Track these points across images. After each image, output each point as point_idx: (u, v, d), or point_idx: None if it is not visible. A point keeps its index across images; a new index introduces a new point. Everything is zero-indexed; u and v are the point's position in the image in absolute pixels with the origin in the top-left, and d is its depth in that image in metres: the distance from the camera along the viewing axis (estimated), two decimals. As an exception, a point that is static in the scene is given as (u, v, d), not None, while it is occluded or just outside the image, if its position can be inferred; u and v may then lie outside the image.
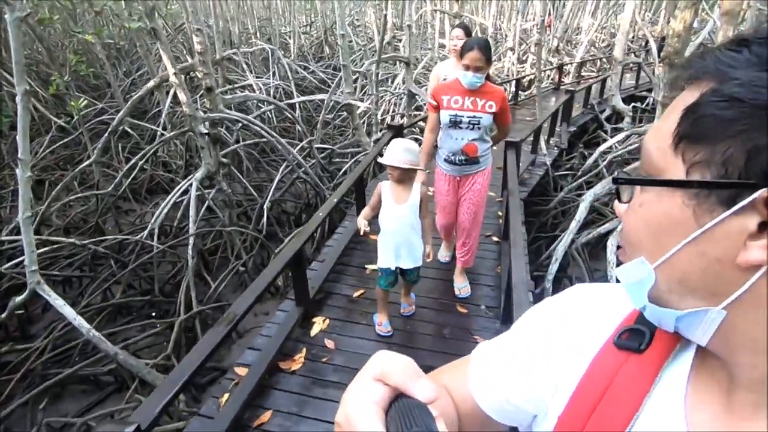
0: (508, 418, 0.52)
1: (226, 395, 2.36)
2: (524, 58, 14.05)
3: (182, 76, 4.59)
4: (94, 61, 9.31)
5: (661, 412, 0.40)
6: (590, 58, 13.31)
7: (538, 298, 4.00)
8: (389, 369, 0.30)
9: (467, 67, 2.46)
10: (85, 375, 3.61)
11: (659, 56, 7.09)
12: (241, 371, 2.51)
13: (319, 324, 2.91)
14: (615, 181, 0.39)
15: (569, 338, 0.48)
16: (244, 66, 9.05)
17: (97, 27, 5.88)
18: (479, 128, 2.59)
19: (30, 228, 3.05)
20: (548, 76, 11.88)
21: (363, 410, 0.28)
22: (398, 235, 2.43)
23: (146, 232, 4.69)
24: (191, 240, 4.47)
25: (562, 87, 10.38)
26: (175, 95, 7.85)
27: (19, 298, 3.27)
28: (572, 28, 17.94)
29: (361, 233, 2.42)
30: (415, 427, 0.27)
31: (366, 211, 2.49)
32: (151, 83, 5.63)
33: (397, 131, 4.83)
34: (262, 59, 12.04)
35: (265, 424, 2.24)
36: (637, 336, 0.44)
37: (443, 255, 3.49)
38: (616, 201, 0.41)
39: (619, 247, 0.42)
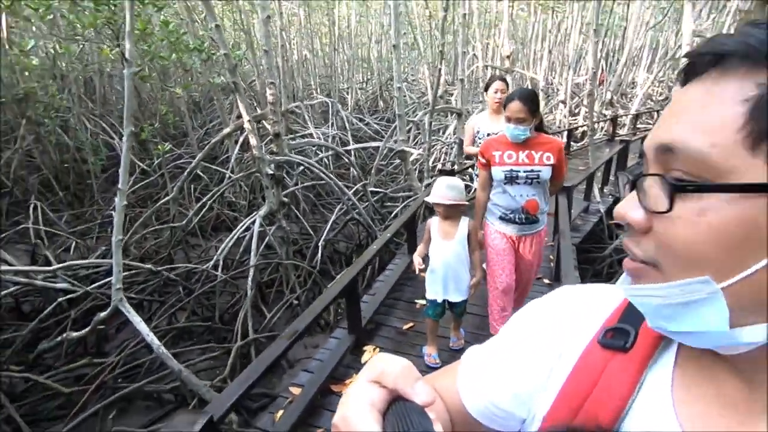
0: (494, 423, 0.51)
1: (281, 412, 2.48)
2: (576, 111, 14.11)
3: (254, 124, 5.10)
4: (176, 112, 10.44)
5: (649, 409, 0.40)
6: (646, 110, 13.13)
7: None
8: (387, 372, 0.30)
9: (509, 119, 2.33)
10: (149, 391, 3.87)
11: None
12: (295, 391, 2.64)
13: (369, 352, 3.01)
14: (680, 188, 0.33)
15: (555, 339, 0.48)
16: (306, 117, 9.79)
17: (185, 83, 6.73)
18: (539, 182, 2.41)
19: (120, 250, 3.46)
20: (602, 128, 11.82)
21: (360, 412, 0.28)
22: (447, 269, 2.52)
23: (212, 262, 5.08)
24: (251, 271, 4.78)
25: (616, 138, 10.28)
26: (242, 143, 8.66)
27: (103, 314, 3.65)
28: (627, 82, 17.91)
29: (417, 271, 2.51)
30: (412, 429, 0.26)
31: (420, 249, 2.59)
32: (226, 130, 6.28)
33: (448, 176, 5.03)
34: (321, 112, 12.96)
35: (317, 445, 2.32)
36: (621, 335, 0.44)
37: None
38: (627, 204, 0.37)
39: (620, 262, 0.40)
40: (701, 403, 0.39)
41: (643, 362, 0.42)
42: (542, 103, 13.38)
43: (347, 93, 15.45)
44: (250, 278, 4.74)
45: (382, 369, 0.31)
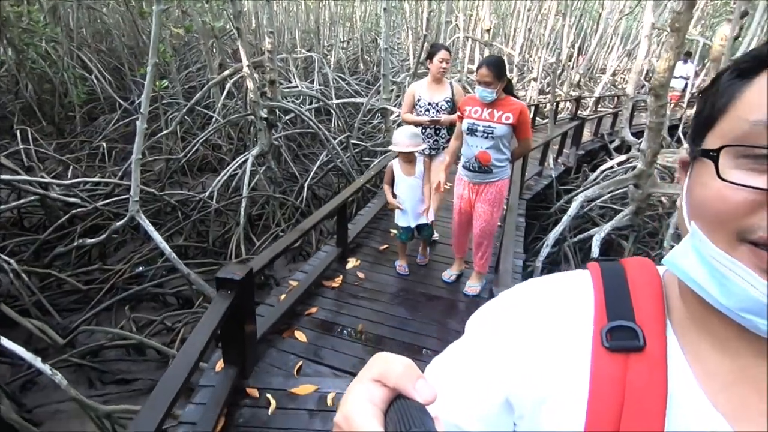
0: None
1: (283, 295, 3.19)
2: (547, 90, 14.95)
3: (252, 68, 5.55)
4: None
5: (687, 407, 0.39)
6: (608, 94, 14.12)
7: (528, 277, 4.76)
8: (388, 370, 0.29)
9: (479, 82, 2.66)
10: (156, 293, 4.48)
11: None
12: (293, 283, 3.35)
13: (353, 262, 3.74)
14: None
15: (533, 348, 0.45)
16: (292, 70, 10.10)
17: (186, 24, 6.94)
18: (493, 138, 2.71)
19: (138, 167, 3.98)
20: (567, 107, 12.72)
21: (362, 411, 0.28)
22: (412, 200, 3.13)
23: (207, 192, 5.61)
24: (244, 201, 5.36)
25: (578, 117, 11.19)
26: (228, 91, 8.96)
27: (119, 223, 4.18)
28: (598, 66, 18.87)
29: (396, 207, 3.14)
30: (413, 427, 0.26)
31: (387, 188, 3.17)
32: (227, 72, 6.66)
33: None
34: (303, 67, 13.19)
35: (313, 314, 3.06)
36: (626, 333, 0.41)
37: (449, 275, 3.49)
38: None
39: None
40: (731, 389, 0.38)
41: (663, 360, 0.40)
42: (515, 79, 14.09)
43: (329, 51, 15.59)
44: (243, 207, 5.33)
45: (383, 368, 0.29)
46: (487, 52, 12.00)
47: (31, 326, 3.56)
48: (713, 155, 0.37)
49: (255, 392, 2.35)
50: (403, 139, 2.91)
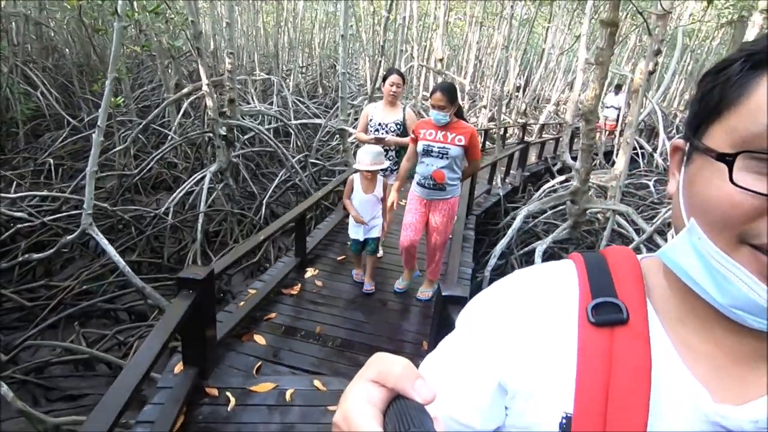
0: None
1: (242, 302, 3.26)
2: (497, 116, 15.88)
3: (212, 87, 5.66)
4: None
5: (668, 376, 0.41)
6: (551, 122, 15.20)
7: (477, 287, 5.06)
8: (387, 371, 0.29)
9: (433, 106, 2.85)
10: (107, 309, 4.37)
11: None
12: (252, 291, 3.43)
13: (311, 271, 3.87)
14: None
15: (521, 330, 0.47)
16: (251, 92, 10.22)
17: (144, 42, 6.93)
18: (447, 158, 2.89)
19: (93, 180, 3.95)
20: (515, 133, 13.57)
21: (361, 411, 0.28)
22: (365, 215, 3.29)
23: (163, 208, 5.57)
24: (201, 217, 5.37)
25: (524, 142, 11.97)
26: (184, 110, 8.94)
27: (70, 237, 4.10)
28: (544, 97, 20.28)
29: (355, 217, 3.27)
30: (413, 427, 0.26)
31: (347, 201, 3.32)
32: (186, 90, 6.71)
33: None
34: (262, 90, 13.34)
35: (272, 319, 3.15)
36: (610, 309, 0.43)
37: (400, 284, 3.61)
38: None
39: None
40: (709, 360, 0.41)
41: (645, 332, 0.41)
42: (467, 106, 14.87)
43: (288, 75, 15.85)
44: (200, 222, 5.33)
45: (381, 369, 0.29)
46: (440, 80, 12.72)
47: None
48: (729, 160, 0.36)
49: (215, 391, 2.41)
50: (366, 157, 3.07)
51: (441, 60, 10.64)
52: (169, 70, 10.17)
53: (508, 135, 12.55)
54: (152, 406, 2.25)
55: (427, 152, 2.93)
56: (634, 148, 11.76)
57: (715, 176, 0.37)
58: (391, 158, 3.66)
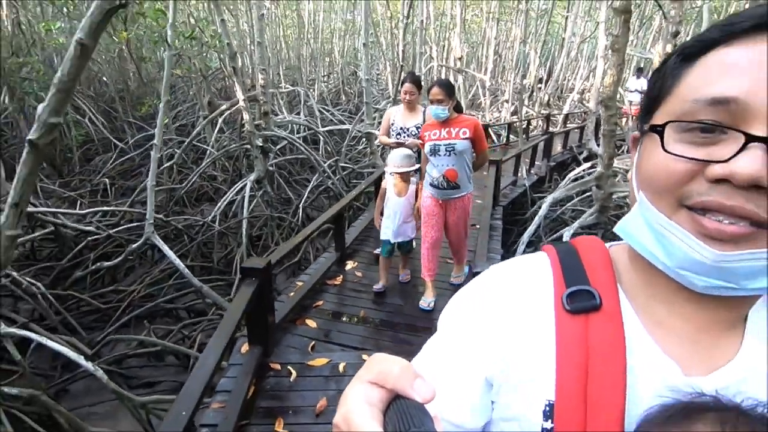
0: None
1: (292, 293, 3.62)
2: (519, 109, 15.91)
3: (248, 102, 6.12)
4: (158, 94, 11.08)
5: (641, 355, 0.43)
6: (576, 111, 15.10)
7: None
8: (385, 372, 0.30)
9: (432, 102, 2.87)
10: (169, 309, 4.85)
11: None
12: (299, 284, 3.79)
13: (351, 264, 4.21)
14: None
15: (502, 324, 0.48)
16: (280, 104, 10.75)
17: (184, 66, 7.51)
18: (455, 154, 2.89)
19: (153, 193, 4.43)
20: (538, 125, 13.60)
21: (360, 411, 0.28)
22: (398, 218, 3.32)
23: (210, 217, 6.06)
24: (245, 222, 5.82)
25: (548, 133, 12.01)
26: (219, 127, 9.55)
27: (135, 245, 4.59)
28: (567, 87, 20.09)
29: (378, 226, 3.46)
30: (413, 427, 0.27)
31: (378, 203, 3.45)
32: (225, 105, 7.20)
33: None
34: (288, 101, 13.93)
35: (320, 306, 3.50)
36: (583, 296, 0.45)
37: (427, 302, 3.46)
38: (761, 164, 0.35)
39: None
40: (678, 334, 0.43)
41: (618, 315, 0.44)
42: (488, 102, 14.95)
43: (311, 85, 16.41)
44: (244, 227, 5.78)
45: (380, 370, 0.30)
46: (461, 79, 12.91)
47: (60, 342, 3.91)
48: (659, 130, 0.40)
49: (278, 366, 2.77)
50: (395, 160, 3.15)
51: (460, 58, 10.88)
52: (202, 90, 10.85)
53: (532, 127, 12.62)
54: (227, 379, 2.62)
55: (435, 152, 2.92)
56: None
57: (655, 149, 0.41)
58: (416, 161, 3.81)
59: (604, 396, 0.41)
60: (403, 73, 9.36)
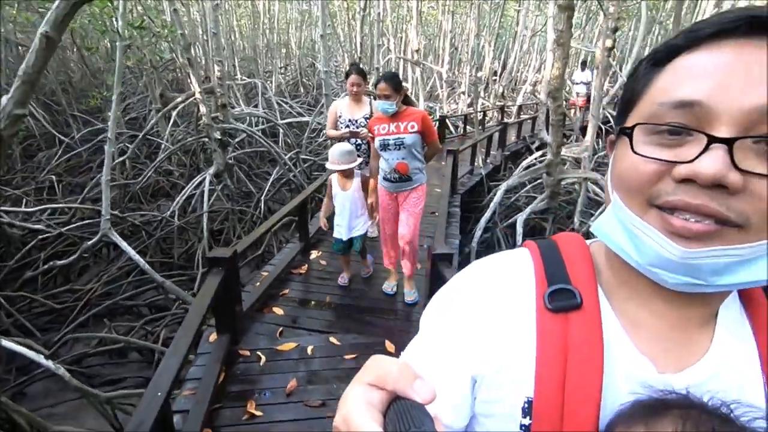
0: None
1: (258, 283, 3.68)
2: (474, 101, 16.36)
3: (204, 95, 6.02)
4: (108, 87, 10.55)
5: (618, 353, 0.44)
6: (529, 102, 15.72)
7: (466, 259, 5.52)
8: (385, 373, 0.30)
9: (379, 97, 2.85)
10: (129, 306, 4.76)
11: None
12: (264, 274, 3.84)
13: (315, 254, 4.30)
14: None
15: (484, 324, 0.49)
16: (237, 95, 10.54)
17: (136, 56, 7.21)
18: (404, 147, 2.90)
19: (108, 186, 4.32)
20: (494, 116, 14.05)
21: (360, 412, 0.28)
22: (347, 212, 3.24)
23: (169, 212, 5.93)
24: (205, 216, 5.75)
25: (502, 123, 12.46)
26: (174, 120, 9.26)
27: (91, 241, 4.46)
28: (521, 79, 20.79)
29: (324, 227, 3.41)
30: (413, 427, 0.27)
31: (326, 201, 3.35)
32: (180, 98, 7.01)
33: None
34: (245, 93, 13.64)
35: (286, 294, 3.58)
36: (564, 295, 0.46)
37: (390, 287, 3.58)
38: (720, 164, 0.36)
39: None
40: (653, 333, 0.45)
41: (597, 315, 0.44)
42: (446, 94, 15.26)
43: (268, 77, 16.12)
44: (204, 222, 5.72)
45: (379, 371, 0.30)
46: (418, 71, 13.11)
47: (14, 344, 3.77)
48: (628, 132, 0.42)
49: (247, 352, 2.84)
50: (334, 157, 3.09)
51: (417, 51, 11.05)
52: (153, 82, 10.47)
53: (488, 118, 13.02)
54: (196, 367, 2.68)
55: (384, 147, 2.93)
56: (608, 121, 12.35)
57: (627, 151, 0.42)
58: (364, 152, 3.72)
59: (581, 394, 0.42)
60: (361, 65, 9.43)
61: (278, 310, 3.34)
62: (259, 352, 2.82)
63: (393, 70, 14.87)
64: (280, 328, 3.12)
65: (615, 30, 6.23)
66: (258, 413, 2.38)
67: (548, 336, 0.45)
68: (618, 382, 0.43)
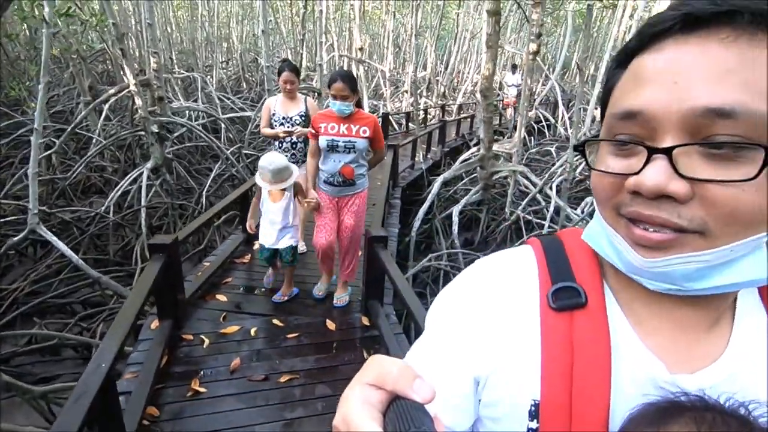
0: None
1: (200, 272, 3.73)
2: (419, 100, 16.86)
3: (140, 87, 5.87)
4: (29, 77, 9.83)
5: (626, 352, 0.43)
6: (468, 101, 16.45)
7: (405, 247, 5.82)
8: (384, 374, 0.29)
9: (335, 97, 2.68)
10: (61, 304, 4.58)
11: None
12: (207, 264, 3.89)
13: (257, 244, 4.36)
14: None
15: (489, 324, 0.48)
16: (175, 89, 10.21)
17: (62, 45, 6.79)
18: (354, 152, 2.79)
19: (35, 181, 4.15)
20: (435, 114, 14.60)
21: (360, 412, 0.28)
22: (275, 225, 3.02)
23: (104, 207, 5.73)
24: (143, 211, 5.63)
25: (442, 121, 13.00)
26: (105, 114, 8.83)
27: (18, 237, 4.26)
28: (462, 79, 21.64)
29: (251, 231, 3.19)
30: (413, 427, 0.26)
31: (254, 202, 3.11)
32: (113, 90, 6.74)
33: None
34: (184, 87, 13.19)
35: (229, 282, 3.66)
36: (568, 293, 0.45)
37: (320, 290, 3.41)
38: (660, 175, 0.36)
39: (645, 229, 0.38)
40: (660, 333, 0.43)
41: (603, 313, 0.43)
42: (389, 92, 15.63)
43: (208, 71, 15.65)
44: (142, 217, 5.59)
45: (378, 372, 0.30)
46: (362, 69, 13.34)
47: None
48: (581, 149, 0.43)
49: (190, 336, 2.92)
50: (266, 174, 2.81)
51: (361, 49, 11.26)
52: (81, 73, 9.88)
53: (430, 117, 13.51)
54: (138, 352, 2.72)
55: (333, 148, 2.78)
56: (540, 121, 13.25)
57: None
58: (300, 150, 3.63)
59: (588, 396, 0.41)
60: (304, 61, 9.49)
61: (221, 297, 3.42)
62: (202, 336, 2.91)
63: (338, 67, 14.98)
64: (224, 314, 3.21)
65: (539, 35, 6.79)
66: (202, 390, 2.48)
67: (553, 336, 0.44)
68: (627, 382, 0.42)
